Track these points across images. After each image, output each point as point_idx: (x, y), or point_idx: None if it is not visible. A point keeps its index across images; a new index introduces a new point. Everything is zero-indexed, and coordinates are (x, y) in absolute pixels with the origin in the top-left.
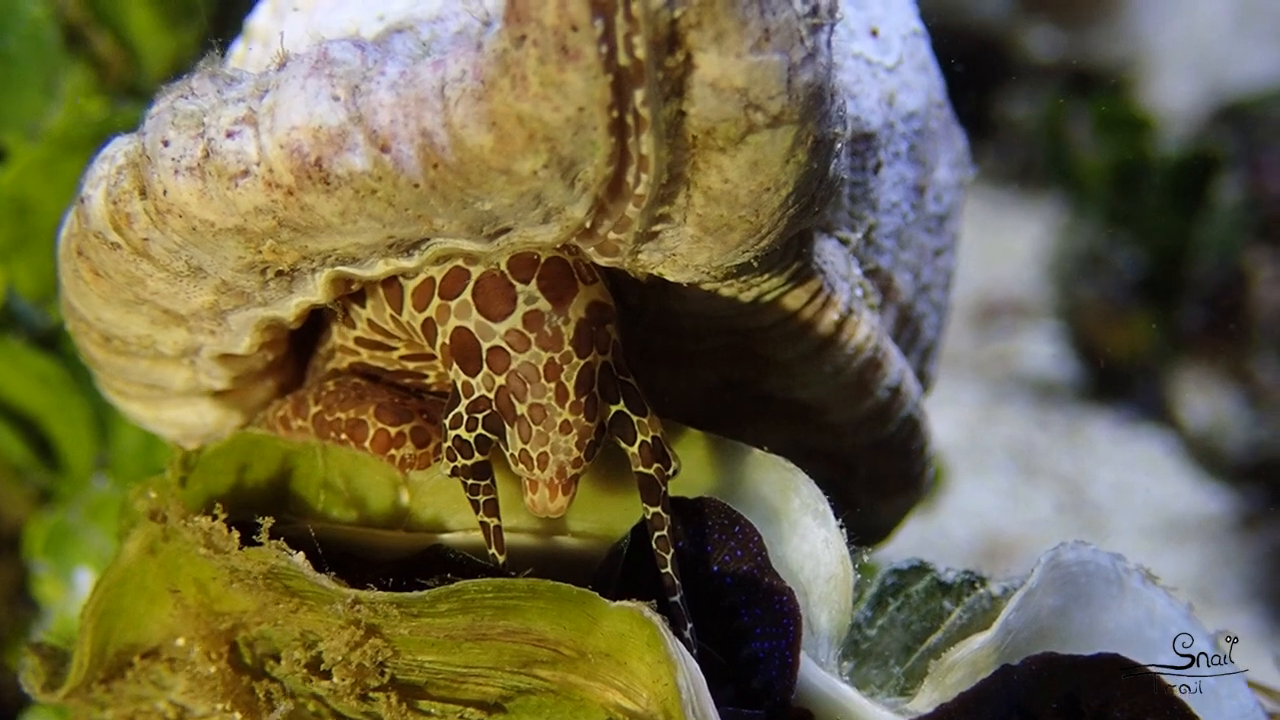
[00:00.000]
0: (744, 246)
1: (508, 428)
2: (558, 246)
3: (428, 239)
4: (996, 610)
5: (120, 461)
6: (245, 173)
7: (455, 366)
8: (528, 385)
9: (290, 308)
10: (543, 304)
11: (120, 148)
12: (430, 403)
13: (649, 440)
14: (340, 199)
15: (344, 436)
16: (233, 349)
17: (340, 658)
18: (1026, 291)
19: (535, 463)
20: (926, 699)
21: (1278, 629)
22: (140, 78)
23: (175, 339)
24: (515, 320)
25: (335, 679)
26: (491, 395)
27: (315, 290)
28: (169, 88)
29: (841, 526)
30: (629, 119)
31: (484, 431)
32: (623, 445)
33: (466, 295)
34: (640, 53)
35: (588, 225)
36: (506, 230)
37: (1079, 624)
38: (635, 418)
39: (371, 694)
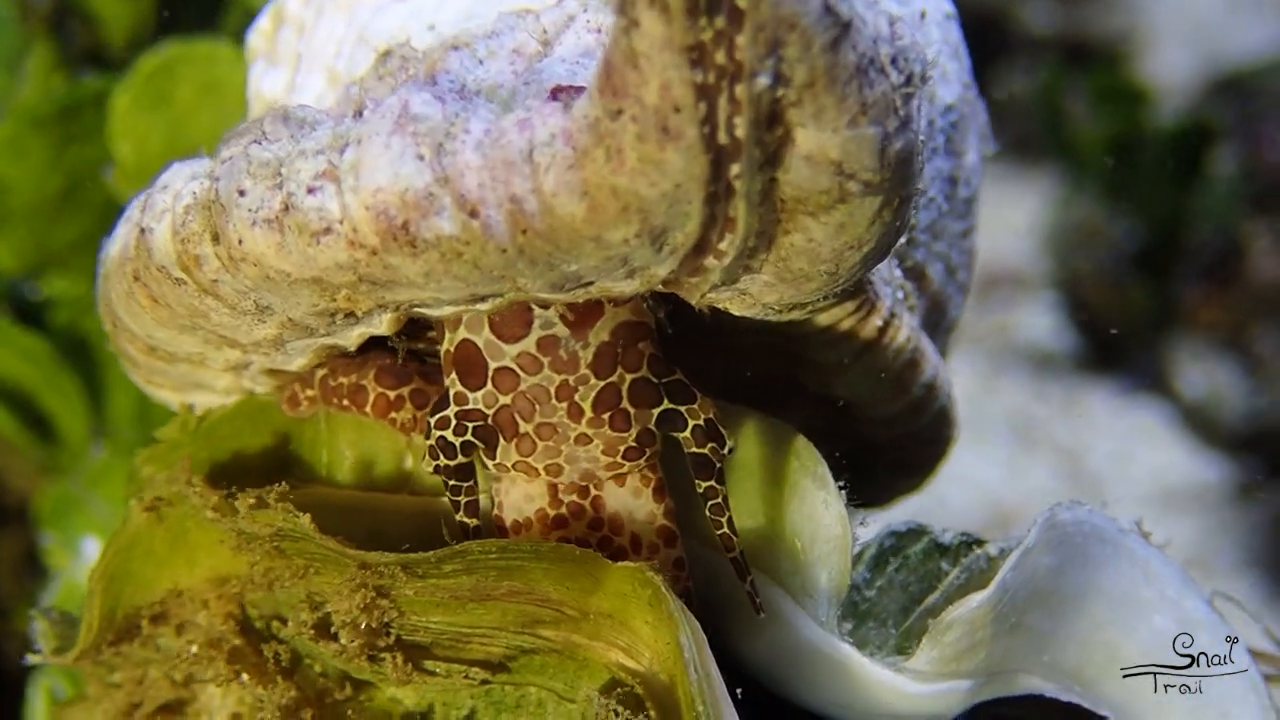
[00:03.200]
0: (819, 293)
1: (502, 441)
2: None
3: (505, 292)
4: (993, 570)
5: (115, 429)
6: (327, 230)
7: (454, 375)
8: (537, 406)
9: (352, 337)
10: (560, 329)
11: (185, 184)
12: (432, 366)
13: (701, 424)
14: (426, 261)
15: (346, 402)
16: (285, 367)
17: (348, 620)
18: (1024, 263)
19: (542, 473)
20: (925, 657)
21: (1275, 596)
22: (101, 46)
23: (227, 357)
24: (528, 344)
25: (343, 640)
26: (489, 411)
27: (381, 325)
28: (239, 130)
29: (843, 488)
30: (721, 189)
31: (472, 439)
32: (675, 435)
33: None
34: (740, 132)
35: (669, 279)
36: (587, 285)
37: (1075, 583)
38: (684, 408)
39: (379, 655)
